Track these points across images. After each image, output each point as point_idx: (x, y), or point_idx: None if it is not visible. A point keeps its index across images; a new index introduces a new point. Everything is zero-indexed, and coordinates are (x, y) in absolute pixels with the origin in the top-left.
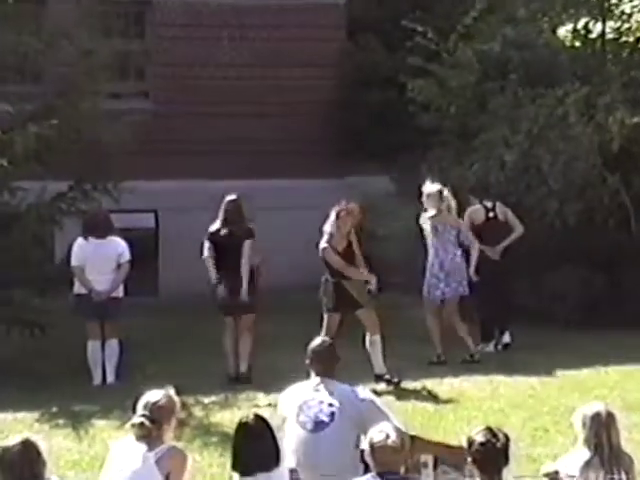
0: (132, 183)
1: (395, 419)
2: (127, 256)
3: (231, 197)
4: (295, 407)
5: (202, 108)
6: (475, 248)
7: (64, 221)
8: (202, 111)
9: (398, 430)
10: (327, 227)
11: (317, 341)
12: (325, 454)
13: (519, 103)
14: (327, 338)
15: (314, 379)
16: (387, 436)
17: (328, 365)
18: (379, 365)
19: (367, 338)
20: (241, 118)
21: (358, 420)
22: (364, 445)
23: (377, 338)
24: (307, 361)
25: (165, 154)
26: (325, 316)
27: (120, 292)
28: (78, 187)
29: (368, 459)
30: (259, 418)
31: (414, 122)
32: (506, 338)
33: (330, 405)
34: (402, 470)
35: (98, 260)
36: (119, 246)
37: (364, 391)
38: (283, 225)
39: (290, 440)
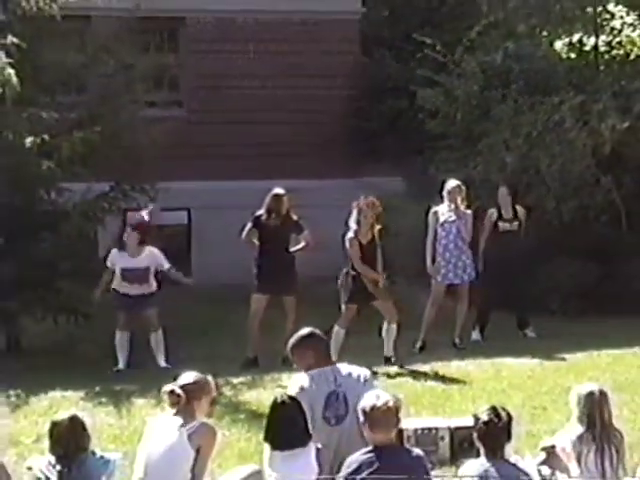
0: (167, 184)
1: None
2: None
3: (277, 191)
4: (321, 402)
5: (229, 115)
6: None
7: (106, 218)
8: (229, 118)
9: (392, 395)
10: (352, 222)
11: (305, 331)
12: (345, 443)
13: (519, 110)
14: (313, 329)
15: (327, 368)
16: (384, 400)
17: (325, 352)
18: (389, 348)
19: (384, 326)
20: (264, 124)
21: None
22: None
23: (394, 326)
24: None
25: (196, 157)
26: (343, 307)
27: (153, 287)
28: (118, 187)
29: (364, 426)
30: (292, 399)
31: (423, 128)
32: (530, 333)
33: (344, 397)
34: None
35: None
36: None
37: (366, 371)
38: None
39: (314, 434)
